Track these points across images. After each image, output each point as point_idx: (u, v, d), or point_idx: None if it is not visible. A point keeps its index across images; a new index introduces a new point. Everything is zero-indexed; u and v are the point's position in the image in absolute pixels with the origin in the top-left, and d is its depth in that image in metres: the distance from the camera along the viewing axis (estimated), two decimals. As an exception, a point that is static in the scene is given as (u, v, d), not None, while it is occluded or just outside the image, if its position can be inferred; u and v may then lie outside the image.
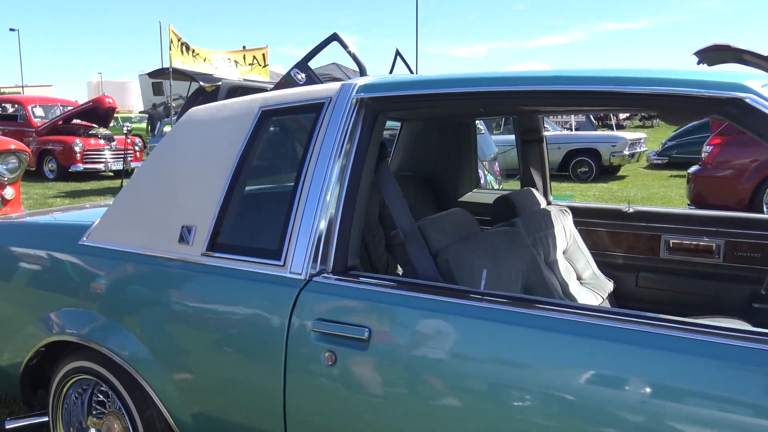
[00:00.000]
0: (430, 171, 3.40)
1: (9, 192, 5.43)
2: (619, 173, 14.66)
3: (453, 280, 1.80)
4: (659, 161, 15.35)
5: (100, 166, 13.63)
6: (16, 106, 14.38)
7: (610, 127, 20.41)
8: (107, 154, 13.65)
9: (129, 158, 13.45)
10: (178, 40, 11.00)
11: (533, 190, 2.98)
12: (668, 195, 11.09)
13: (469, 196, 3.45)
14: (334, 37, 9.81)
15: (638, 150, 14.53)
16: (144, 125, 25.06)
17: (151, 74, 12.24)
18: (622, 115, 26.82)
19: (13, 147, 5.47)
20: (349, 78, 8.91)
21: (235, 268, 1.84)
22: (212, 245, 1.90)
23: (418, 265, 1.79)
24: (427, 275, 1.79)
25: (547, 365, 1.38)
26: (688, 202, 8.02)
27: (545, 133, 3.22)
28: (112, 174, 14.20)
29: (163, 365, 1.93)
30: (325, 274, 1.72)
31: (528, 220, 2.60)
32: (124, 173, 12.14)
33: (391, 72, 11.39)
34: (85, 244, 2.19)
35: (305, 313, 1.67)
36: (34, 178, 12.98)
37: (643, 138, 15.20)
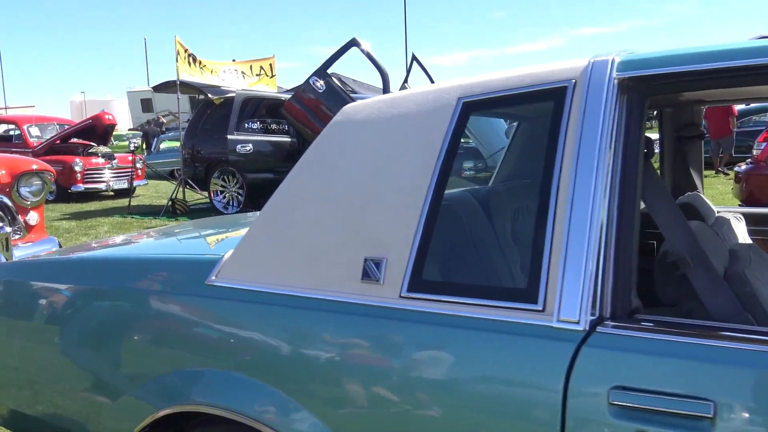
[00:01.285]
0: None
1: (33, 217, 4.89)
2: (636, 175, 14.29)
3: (765, 319, 1.33)
4: (672, 161, 14.98)
5: (102, 186, 13.03)
6: (11, 126, 13.75)
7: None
8: (108, 173, 13.07)
9: (131, 176, 12.90)
10: (185, 52, 10.49)
11: (700, 194, 2.52)
12: (698, 196, 10.73)
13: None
14: (354, 43, 9.27)
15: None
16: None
17: (157, 88, 11.69)
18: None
19: (35, 167, 4.94)
20: (354, 91, 8.32)
21: (458, 315, 1.35)
22: (415, 283, 1.41)
23: (712, 302, 1.32)
24: (726, 314, 1.31)
25: None
26: (739, 203, 7.65)
27: None
28: (112, 193, 13.61)
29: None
30: (607, 322, 1.24)
31: (721, 232, 2.14)
32: (131, 191, 11.61)
33: (406, 80, 10.88)
34: (214, 284, 1.69)
35: (592, 379, 1.19)
36: (32, 200, 12.34)
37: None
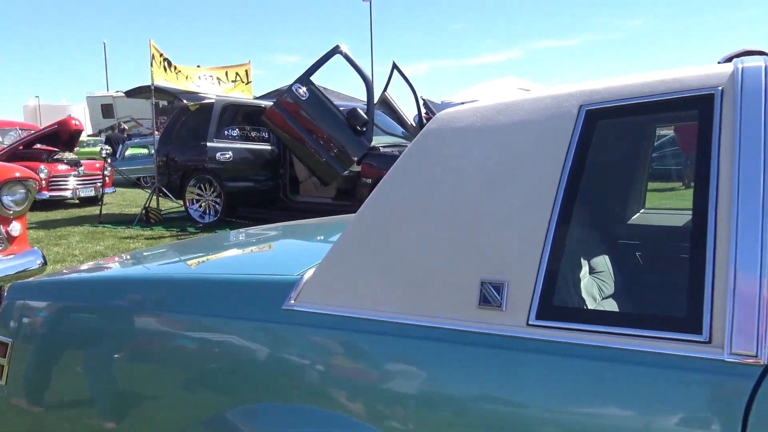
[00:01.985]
0: (596, 188, 2.82)
1: (16, 228, 4.58)
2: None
3: None
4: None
5: (67, 194, 12.56)
6: (-30, 130, 13.14)
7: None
8: (74, 181, 12.60)
9: (99, 183, 12.49)
10: (160, 56, 10.18)
11: None
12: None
13: (640, 218, 2.90)
14: (337, 50, 9.10)
15: None
16: (97, 149, 23.65)
17: (130, 93, 11.29)
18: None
19: (18, 175, 4.63)
20: (327, 98, 8.10)
21: (597, 346, 1.21)
22: (545, 309, 1.27)
23: None
24: None
25: None
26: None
27: None
28: (78, 201, 13.11)
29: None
30: None
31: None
32: (102, 199, 11.19)
33: (386, 88, 10.72)
34: (294, 309, 1.52)
35: (776, 419, 1.07)
36: (-7, 208, 11.76)
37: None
